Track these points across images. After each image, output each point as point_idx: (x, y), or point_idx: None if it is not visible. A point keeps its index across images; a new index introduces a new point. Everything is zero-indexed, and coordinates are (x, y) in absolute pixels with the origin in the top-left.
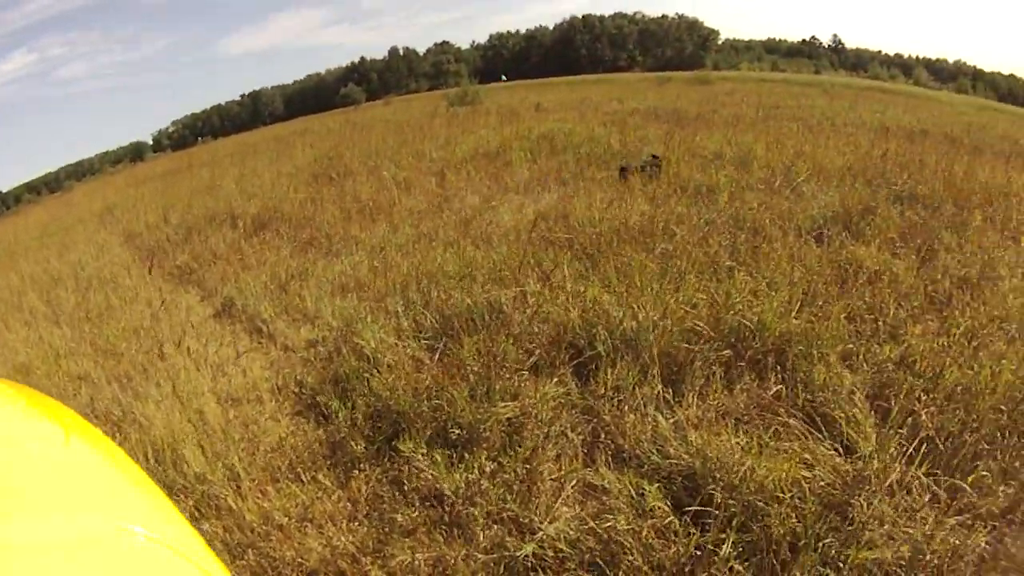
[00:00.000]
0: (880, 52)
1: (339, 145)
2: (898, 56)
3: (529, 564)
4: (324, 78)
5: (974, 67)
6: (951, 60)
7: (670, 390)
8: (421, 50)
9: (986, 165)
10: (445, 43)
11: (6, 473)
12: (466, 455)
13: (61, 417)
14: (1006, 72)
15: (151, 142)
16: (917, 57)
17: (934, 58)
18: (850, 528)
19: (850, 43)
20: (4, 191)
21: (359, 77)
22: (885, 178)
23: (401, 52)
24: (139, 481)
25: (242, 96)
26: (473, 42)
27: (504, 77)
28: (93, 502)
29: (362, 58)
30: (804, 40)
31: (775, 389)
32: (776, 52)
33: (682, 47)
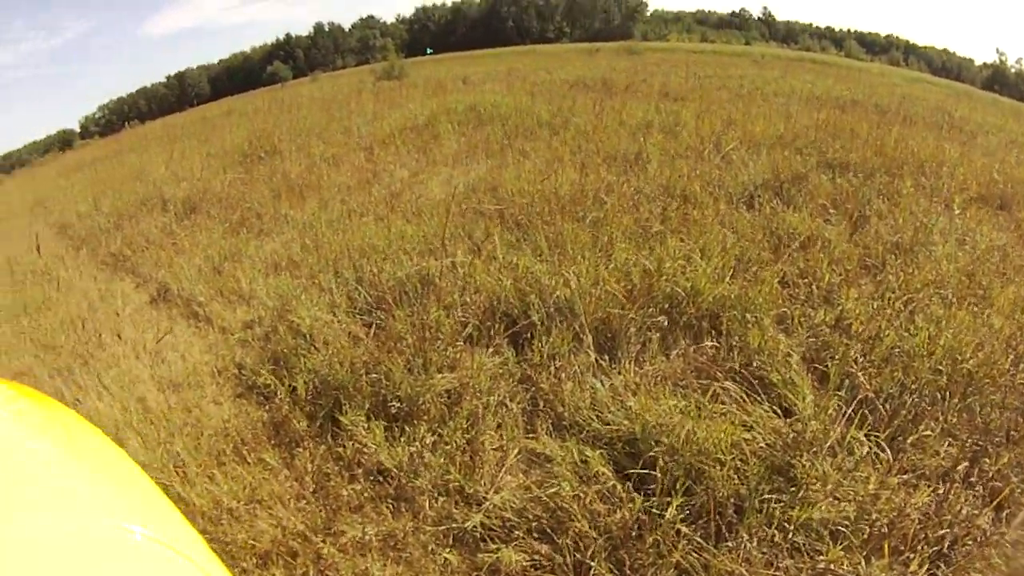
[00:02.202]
0: (811, 25)
1: (266, 124)
2: (829, 29)
3: (478, 535)
4: (249, 56)
5: (907, 41)
6: (883, 34)
7: (606, 357)
8: (346, 26)
9: (917, 135)
10: (371, 17)
11: (7, 473)
12: (407, 428)
13: (61, 417)
14: (940, 47)
15: (79, 129)
16: (848, 30)
17: (866, 32)
18: (794, 489)
19: (780, 16)
20: None
21: (285, 55)
22: (816, 146)
23: (327, 28)
24: (139, 481)
25: (168, 78)
26: (399, 16)
27: (430, 50)
28: (93, 501)
29: (287, 35)
30: (734, 12)
31: (711, 353)
32: (706, 23)
33: (610, 18)
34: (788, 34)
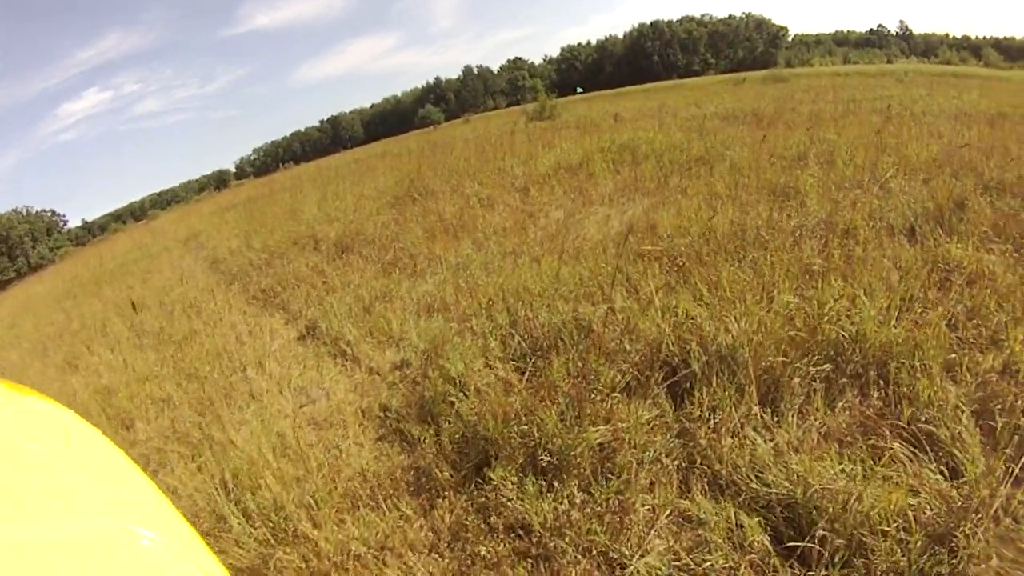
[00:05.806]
0: (948, 35)
1: (420, 165)
2: (966, 38)
3: None
4: (401, 100)
5: None
6: (1019, 37)
7: (768, 410)
8: (495, 68)
9: None
10: (518, 59)
11: (7, 473)
12: (555, 483)
13: (61, 418)
14: None
15: (234, 169)
16: (985, 38)
17: (1002, 37)
18: (954, 561)
19: (917, 29)
20: (90, 220)
21: (436, 98)
22: (971, 167)
23: (476, 71)
24: (139, 482)
25: (321, 122)
26: (546, 57)
27: (580, 89)
28: (94, 503)
29: (437, 78)
30: (872, 30)
31: (878, 406)
32: (846, 44)
33: (753, 46)
34: (927, 47)
